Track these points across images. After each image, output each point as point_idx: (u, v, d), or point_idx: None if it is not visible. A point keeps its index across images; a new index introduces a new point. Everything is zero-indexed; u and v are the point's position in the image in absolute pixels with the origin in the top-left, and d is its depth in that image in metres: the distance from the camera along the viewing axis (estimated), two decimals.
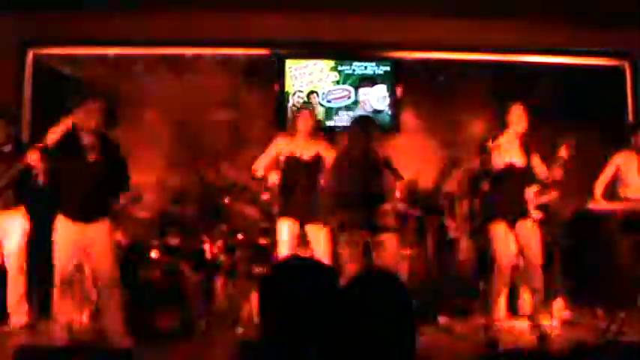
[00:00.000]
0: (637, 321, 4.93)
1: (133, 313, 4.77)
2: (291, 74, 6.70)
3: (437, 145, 6.95)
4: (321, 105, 6.62)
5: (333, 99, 6.73)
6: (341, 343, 1.62)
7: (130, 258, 5.43)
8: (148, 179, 6.21)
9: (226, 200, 5.52)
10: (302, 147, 5.06)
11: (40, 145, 4.50)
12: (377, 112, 6.65)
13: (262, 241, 5.80)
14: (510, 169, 4.58)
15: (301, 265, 1.89)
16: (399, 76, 6.79)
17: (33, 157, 4.68)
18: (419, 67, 6.95)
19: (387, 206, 4.90)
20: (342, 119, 6.69)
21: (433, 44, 6.82)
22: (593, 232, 5.82)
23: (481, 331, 4.64)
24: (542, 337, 4.55)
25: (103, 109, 4.45)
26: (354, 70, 6.76)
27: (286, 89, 6.69)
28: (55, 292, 4.34)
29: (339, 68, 6.75)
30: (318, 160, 5.07)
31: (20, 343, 4.38)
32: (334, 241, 5.04)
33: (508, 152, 4.54)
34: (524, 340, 4.68)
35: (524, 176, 4.76)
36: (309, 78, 6.72)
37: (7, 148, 5.12)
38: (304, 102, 6.58)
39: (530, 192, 5.28)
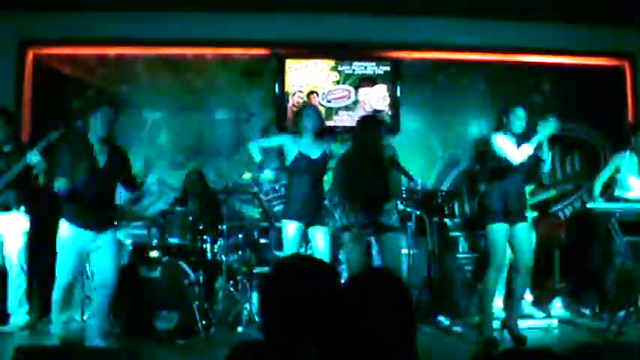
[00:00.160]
0: (637, 321, 4.94)
1: (133, 313, 4.78)
2: (291, 74, 6.70)
3: (437, 145, 6.95)
4: (321, 105, 6.62)
5: (333, 99, 6.73)
6: (341, 343, 1.62)
7: (130, 258, 5.45)
8: (148, 179, 6.21)
9: (226, 200, 5.51)
10: (309, 146, 5.03)
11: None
12: (377, 112, 6.65)
13: (262, 241, 5.81)
14: (510, 168, 4.57)
15: (301, 265, 1.89)
16: (399, 76, 6.79)
17: (33, 157, 4.69)
18: (419, 67, 6.95)
19: (392, 205, 4.90)
20: (342, 119, 6.70)
21: (433, 44, 6.82)
22: (593, 232, 5.82)
23: (480, 331, 4.63)
24: (518, 340, 4.52)
25: (116, 116, 4.47)
26: (354, 70, 6.76)
27: (286, 89, 6.69)
28: (55, 294, 4.33)
29: (339, 68, 6.76)
30: (324, 159, 5.04)
31: (20, 343, 4.38)
32: (337, 242, 5.03)
33: (508, 152, 4.53)
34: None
35: (523, 175, 4.75)
36: (309, 78, 6.72)
37: (7, 148, 5.12)
38: (305, 102, 6.57)
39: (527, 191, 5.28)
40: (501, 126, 4.63)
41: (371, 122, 5.04)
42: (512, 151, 4.51)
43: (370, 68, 6.77)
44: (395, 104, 6.77)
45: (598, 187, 5.46)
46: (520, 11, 6.39)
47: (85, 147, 4.36)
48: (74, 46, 6.63)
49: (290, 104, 6.66)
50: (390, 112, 6.76)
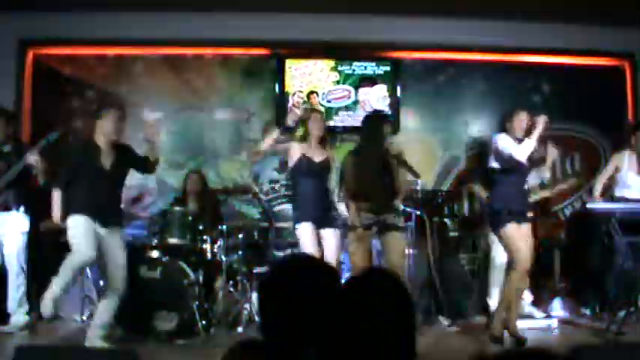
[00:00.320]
0: (637, 321, 4.94)
1: (132, 313, 4.77)
2: (291, 74, 6.70)
3: (437, 145, 6.95)
4: (321, 105, 6.62)
5: (333, 99, 6.73)
6: (341, 343, 1.61)
7: (130, 258, 5.44)
8: (148, 179, 6.20)
9: (226, 200, 5.51)
10: (314, 150, 4.99)
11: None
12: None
13: (262, 241, 5.81)
14: (515, 167, 4.58)
15: (301, 265, 1.89)
16: (399, 76, 6.79)
17: (33, 157, 4.69)
18: (419, 67, 6.95)
19: (397, 204, 4.89)
20: (342, 119, 6.69)
21: (433, 44, 6.82)
22: (593, 232, 5.82)
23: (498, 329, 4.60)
24: (518, 341, 4.51)
25: (124, 118, 4.47)
26: (354, 70, 6.76)
27: (286, 89, 6.68)
28: (67, 267, 4.20)
29: (339, 68, 6.75)
30: (328, 163, 5.03)
31: (20, 343, 4.38)
32: (343, 242, 5.01)
33: (513, 150, 4.54)
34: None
35: (524, 175, 4.76)
36: (309, 78, 6.71)
37: (7, 148, 5.12)
38: (307, 104, 6.55)
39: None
40: (504, 130, 4.65)
41: (377, 119, 5.04)
42: (516, 148, 4.53)
43: (370, 68, 6.77)
44: (395, 104, 6.76)
45: (598, 187, 5.46)
46: (520, 11, 6.39)
47: (92, 149, 4.37)
48: (74, 46, 6.62)
49: (290, 104, 6.65)
50: (390, 112, 6.74)
